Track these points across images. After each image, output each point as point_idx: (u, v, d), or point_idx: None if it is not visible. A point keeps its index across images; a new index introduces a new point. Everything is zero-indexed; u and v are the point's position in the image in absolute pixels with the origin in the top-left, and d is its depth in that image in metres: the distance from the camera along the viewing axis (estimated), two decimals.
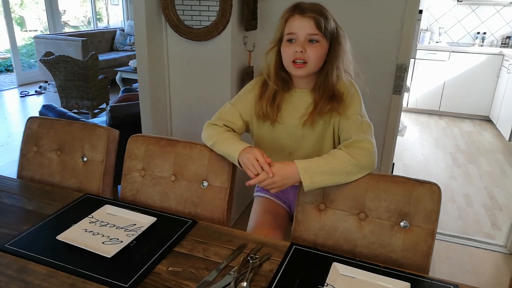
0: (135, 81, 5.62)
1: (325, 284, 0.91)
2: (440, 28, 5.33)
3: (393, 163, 2.74)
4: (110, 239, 1.06)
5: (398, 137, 2.71)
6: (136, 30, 2.22)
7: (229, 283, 0.91)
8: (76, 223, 1.11)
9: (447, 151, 4.09)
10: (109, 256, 0.98)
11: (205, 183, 1.25)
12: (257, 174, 1.09)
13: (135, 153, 1.32)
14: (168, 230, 1.10)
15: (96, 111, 4.72)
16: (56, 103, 3.35)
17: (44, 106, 2.74)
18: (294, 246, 1.06)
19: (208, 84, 2.31)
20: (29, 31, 8.07)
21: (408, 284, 0.91)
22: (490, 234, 2.63)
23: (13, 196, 1.30)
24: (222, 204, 1.23)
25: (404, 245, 1.06)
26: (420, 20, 4.69)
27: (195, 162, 1.26)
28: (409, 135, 4.46)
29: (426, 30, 5.31)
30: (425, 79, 5.15)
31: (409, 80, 5.16)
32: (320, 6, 1.19)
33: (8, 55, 7.15)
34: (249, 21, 2.27)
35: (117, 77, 5.68)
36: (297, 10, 1.17)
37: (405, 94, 5.03)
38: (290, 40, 1.17)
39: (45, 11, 6.86)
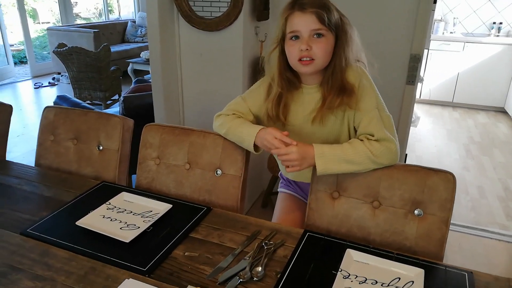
0: (147, 72, 5.65)
1: (339, 270, 0.92)
2: (454, 18, 5.24)
3: (406, 154, 2.72)
4: (128, 225, 1.08)
5: (411, 128, 2.70)
6: (148, 21, 2.23)
7: (244, 268, 0.92)
8: (94, 209, 1.14)
9: (460, 142, 4.05)
10: (127, 241, 1.00)
11: (219, 171, 1.27)
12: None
13: (150, 142, 1.34)
14: (184, 217, 1.12)
15: (108, 102, 4.77)
16: (70, 94, 3.38)
17: (58, 97, 2.77)
18: (307, 233, 1.07)
19: (220, 74, 2.31)
20: (42, 23, 8.15)
21: (422, 270, 0.92)
22: (504, 225, 2.61)
23: (32, 184, 1.33)
24: (235, 192, 1.25)
25: (418, 233, 1.06)
26: (434, 10, 4.61)
27: (209, 150, 1.28)
28: (422, 127, 4.42)
29: (441, 20, 5.22)
30: (438, 70, 5.08)
31: (422, 71, 5.09)
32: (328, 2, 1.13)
33: (22, 47, 7.24)
34: (261, 11, 2.26)
35: (129, 69, 5.71)
36: (296, 6, 1.11)
37: (418, 85, 4.97)
38: (293, 38, 1.13)
39: (57, 3, 6.91)
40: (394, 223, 1.08)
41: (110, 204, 1.17)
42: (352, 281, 0.90)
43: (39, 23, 8.08)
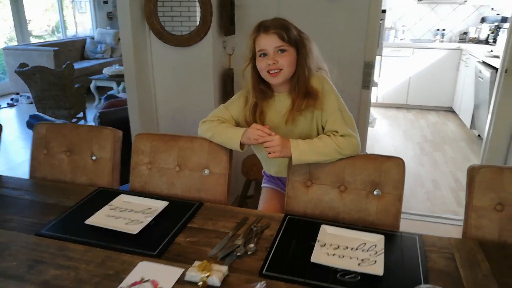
0: (110, 88, 5.69)
1: (317, 241, 1.12)
2: (403, 26, 5.70)
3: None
4: (132, 220, 1.23)
5: (369, 128, 2.98)
6: (122, 38, 2.37)
7: (239, 246, 1.10)
8: (97, 211, 1.28)
9: (415, 141, 4.42)
10: (135, 233, 1.15)
11: (206, 171, 1.44)
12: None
13: (141, 149, 1.49)
14: (180, 211, 1.29)
15: (73, 120, 4.77)
16: (25, 115, 3.37)
17: (31, 116, 2.84)
18: (288, 216, 1.27)
19: (192, 86, 2.48)
20: None
21: (382, 236, 1.13)
22: (456, 212, 2.92)
23: (32, 193, 1.45)
24: (222, 188, 1.42)
25: (377, 209, 1.29)
26: (384, 19, 5.03)
27: (197, 153, 1.45)
28: (380, 129, 4.77)
29: (391, 28, 5.66)
30: (392, 75, 5.49)
31: (376, 76, 5.48)
32: (280, 20, 1.37)
33: None
34: (228, 27, 2.47)
35: (92, 86, 5.73)
36: (261, 29, 1.34)
37: (374, 89, 5.36)
38: (262, 55, 1.35)
39: (12, 22, 6.79)
40: (358, 203, 1.30)
41: (112, 205, 1.31)
42: (328, 248, 1.10)
43: None
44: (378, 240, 1.13)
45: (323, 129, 1.41)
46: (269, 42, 1.33)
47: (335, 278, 0.99)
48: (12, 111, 5.71)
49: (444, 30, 5.56)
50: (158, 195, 1.42)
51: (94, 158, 1.55)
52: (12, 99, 5.99)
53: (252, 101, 1.40)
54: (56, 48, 5.81)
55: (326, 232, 1.17)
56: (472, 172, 1.24)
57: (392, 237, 1.16)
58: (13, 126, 5.02)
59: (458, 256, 1.09)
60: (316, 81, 1.39)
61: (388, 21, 5.61)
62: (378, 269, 1.01)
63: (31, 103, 5.83)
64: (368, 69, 2.51)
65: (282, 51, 1.34)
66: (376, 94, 5.59)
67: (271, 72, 1.34)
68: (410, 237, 1.17)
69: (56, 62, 5.71)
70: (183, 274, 1.00)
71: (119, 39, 7.27)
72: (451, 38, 5.56)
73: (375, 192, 1.30)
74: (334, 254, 1.08)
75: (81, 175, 1.55)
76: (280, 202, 1.53)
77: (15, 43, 6.81)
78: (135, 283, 0.98)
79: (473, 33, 5.37)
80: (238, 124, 1.46)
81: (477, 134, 4.43)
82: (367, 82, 2.53)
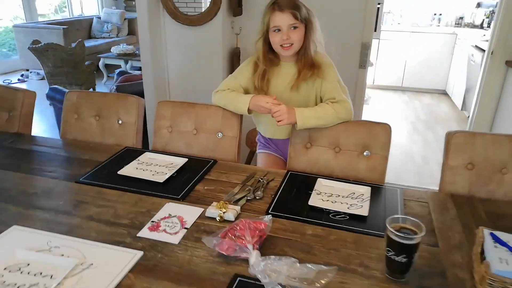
0: (117, 66, 5.86)
1: (314, 190, 1.34)
2: (401, 10, 5.83)
3: None
4: (157, 172, 1.45)
5: (365, 106, 3.17)
6: (139, 19, 2.56)
7: (249, 192, 1.32)
8: (127, 165, 1.49)
9: (409, 121, 4.63)
10: (161, 181, 1.37)
11: (220, 134, 1.65)
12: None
13: (163, 114, 1.70)
14: (197, 166, 1.50)
15: None
16: (40, 91, 3.55)
17: (50, 89, 3.03)
18: (290, 172, 1.49)
19: (201, 63, 2.68)
20: None
21: (369, 188, 1.35)
22: None
23: (66, 151, 1.66)
24: (233, 149, 1.64)
25: (366, 167, 1.50)
26: (382, 3, 5.17)
27: (211, 118, 1.66)
28: (376, 109, 4.97)
29: (389, 12, 5.80)
30: (389, 58, 5.66)
31: (374, 59, 5.65)
32: (299, 2, 1.57)
33: None
34: (236, 8, 2.64)
35: (100, 63, 5.90)
36: (276, 7, 1.53)
37: (371, 71, 5.53)
38: (276, 30, 1.55)
39: (21, 1, 6.90)
40: (350, 162, 1.52)
41: (139, 160, 1.53)
42: (322, 196, 1.32)
43: None
44: (365, 190, 1.35)
45: (320, 99, 1.62)
46: (283, 20, 1.53)
47: (328, 217, 1.22)
48: (23, 87, 5.90)
49: (440, 15, 5.70)
50: (177, 154, 1.63)
51: (120, 122, 1.75)
52: (22, 75, 6.17)
53: (262, 68, 1.61)
54: (65, 27, 5.95)
55: (322, 184, 1.39)
56: (449, 136, 1.45)
57: (377, 189, 1.38)
58: None
59: (431, 204, 1.31)
60: (319, 56, 1.61)
61: (386, 6, 5.73)
62: (363, 211, 1.24)
63: (41, 79, 6.02)
64: (364, 49, 2.69)
65: (295, 27, 1.54)
66: (373, 76, 5.77)
67: (284, 46, 1.56)
68: (392, 189, 1.39)
69: (65, 40, 5.86)
70: (203, 212, 1.22)
71: (125, 18, 7.42)
72: (447, 23, 5.70)
73: (365, 153, 1.51)
74: (328, 200, 1.30)
75: (109, 137, 1.76)
76: (275, 165, 1.76)
77: (20, 21, 6.94)
78: (164, 218, 1.20)
79: (469, 18, 5.52)
80: (246, 91, 1.67)
81: (467, 116, 4.63)
82: (363, 62, 2.72)
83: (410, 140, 4.08)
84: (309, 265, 0.92)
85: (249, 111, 1.57)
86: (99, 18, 7.48)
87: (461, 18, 5.59)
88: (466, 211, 1.28)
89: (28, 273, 0.96)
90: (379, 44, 5.57)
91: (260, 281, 0.92)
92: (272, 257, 0.95)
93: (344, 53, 2.72)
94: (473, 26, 5.44)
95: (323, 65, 1.59)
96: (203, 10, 2.52)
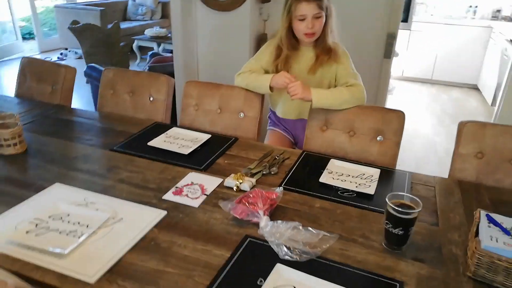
0: (151, 48, 6.05)
1: (326, 169, 1.43)
2: (435, 1, 5.71)
3: None
4: (183, 146, 1.58)
5: (389, 97, 3.20)
6: (171, 3, 2.68)
7: (265, 168, 1.43)
8: (156, 137, 1.63)
9: (434, 114, 4.59)
10: (186, 154, 1.50)
11: (242, 114, 1.76)
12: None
13: (190, 93, 1.82)
14: (220, 142, 1.62)
15: None
16: (78, 69, 3.77)
17: (88, 67, 3.22)
18: (305, 152, 1.59)
19: (229, 47, 2.78)
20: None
21: (378, 170, 1.44)
22: None
23: (102, 122, 1.82)
24: (254, 128, 1.75)
25: (379, 151, 1.58)
26: None
27: (234, 99, 1.77)
28: (401, 100, 4.94)
29: (422, 3, 5.69)
30: (419, 50, 5.58)
31: (404, 50, 5.59)
32: None
33: (23, 23, 7.51)
34: None
35: (134, 45, 6.10)
36: None
37: (400, 62, 5.47)
38: (300, 19, 1.65)
39: None
40: (363, 145, 1.60)
41: (167, 134, 1.67)
42: (333, 175, 1.41)
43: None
44: (374, 172, 1.44)
45: (334, 84, 1.74)
46: (309, 10, 1.63)
47: (336, 193, 1.31)
48: None
49: (476, 7, 5.54)
50: (202, 131, 1.75)
51: (151, 99, 1.89)
52: (61, 54, 6.47)
53: (285, 53, 1.73)
54: (102, 8, 6.17)
55: (334, 164, 1.48)
56: (460, 126, 1.51)
57: (387, 171, 1.46)
58: None
59: (437, 188, 1.38)
60: (334, 44, 1.73)
61: None
62: (371, 190, 1.32)
63: (79, 58, 6.29)
64: (390, 39, 2.72)
65: (318, 17, 1.64)
66: (402, 68, 5.70)
67: (307, 33, 1.66)
68: (402, 173, 1.46)
69: (102, 21, 6.08)
70: (222, 182, 1.34)
71: (158, 2, 7.59)
72: (483, 16, 5.55)
73: (378, 138, 1.59)
74: (338, 179, 1.39)
75: (141, 112, 1.91)
76: (282, 142, 1.88)
77: (61, 1, 7.24)
78: (187, 185, 1.33)
79: (507, 11, 5.34)
80: (266, 72, 1.78)
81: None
82: (388, 52, 2.75)
83: (434, 132, 4.07)
84: (311, 229, 1.02)
85: (271, 88, 1.69)
86: (134, 0, 7.67)
87: (499, 11, 5.42)
88: (471, 196, 1.35)
89: (68, 222, 1.11)
90: (409, 35, 5.50)
91: (267, 242, 1.03)
92: (279, 221, 1.06)
93: (369, 42, 2.76)
94: (511, 19, 5.27)
95: (339, 51, 1.70)
96: None
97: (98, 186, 1.30)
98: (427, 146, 3.73)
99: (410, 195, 1.07)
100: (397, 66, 5.67)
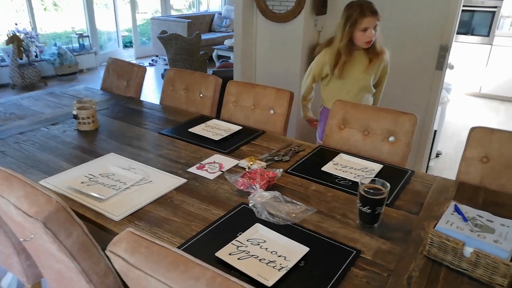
0: (228, 57, 6.56)
1: (332, 161, 1.61)
2: None
3: (435, 130, 3.22)
4: (216, 134, 1.87)
5: (450, 113, 3.14)
6: (235, 15, 3.02)
7: (279, 155, 1.65)
8: (197, 126, 1.94)
9: None
10: (216, 139, 1.79)
11: (272, 111, 2.00)
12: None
13: (230, 91, 2.11)
14: (248, 134, 1.88)
15: None
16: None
17: (165, 70, 3.71)
18: (320, 147, 1.77)
19: (284, 56, 3.03)
20: (140, 13, 9.51)
21: (380, 165, 1.57)
22: None
23: (160, 112, 2.19)
24: (280, 124, 1.97)
25: (390, 151, 1.70)
26: (500, 7, 4.87)
27: (266, 97, 2.02)
28: (472, 117, 4.71)
29: (507, 17, 5.36)
30: (501, 65, 5.26)
31: (483, 66, 5.32)
32: (372, 3, 1.97)
33: (126, 33, 8.59)
34: (320, 7, 2.93)
35: (214, 54, 6.67)
36: (367, 11, 1.94)
37: (477, 76, 5.20)
38: (363, 30, 1.97)
39: None
40: (376, 145, 1.73)
41: (206, 124, 1.97)
42: (337, 166, 1.58)
43: (138, 13, 9.43)
44: (376, 167, 1.57)
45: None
46: (372, 22, 1.97)
47: (334, 181, 1.48)
48: (152, 69, 6.99)
49: None
50: (237, 123, 2.03)
51: (201, 95, 2.23)
52: (152, 60, 7.30)
53: (343, 60, 2.05)
54: (189, 20, 6.86)
55: (342, 158, 1.65)
56: (470, 131, 1.57)
57: (390, 168, 1.59)
58: (151, 79, 6.26)
59: (434, 186, 1.48)
60: (382, 47, 2.09)
61: (505, 9, 5.31)
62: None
63: (166, 64, 7.03)
64: (443, 51, 2.74)
65: (375, 26, 1.97)
66: (480, 84, 5.42)
67: (368, 42, 2.00)
68: (404, 170, 1.58)
69: (188, 32, 6.76)
70: (238, 163, 1.59)
71: None
72: None
73: (390, 139, 1.71)
74: (340, 170, 1.56)
75: (192, 106, 2.25)
76: None
77: (159, 14, 8.15)
78: (209, 163, 1.60)
79: None
80: (324, 76, 2.21)
81: None
82: (440, 63, 2.77)
83: None
84: (294, 201, 1.23)
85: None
86: (220, 14, 8.33)
87: None
88: (465, 196, 1.42)
89: (112, 179, 1.45)
90: (491, 50, 5.23)
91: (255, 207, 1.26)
92: (265, 191, 1.29)
93: (421, 54, 2.81)
94: None
95: (386, 54, 2.06)
96: (288, 9, 2.86)
97: (141, 158, 1.64)
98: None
99: (382, 180, 1.22)
100: (473, 82, 5.41)
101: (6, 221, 1.22)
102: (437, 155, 3.77)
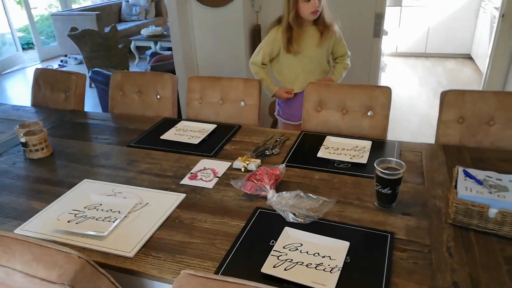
0: (148, 47, 6.19)
1: (323, 145, 1.59)
2: None
3: None
4: (192, 136, 1.74)
5: (383, 74, 3.33)
6: (168, 4, 2.81)
7: (268, 149, 1.59)
8: (167, 131, 1.79)
9: (430, 86, 4.71)
10: (196, 143, 1.66)
11: (242, 103, 1.92)
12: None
13: (193, 88, 1.98)
14: (225, 131, 1.78)
15: None
16: None
17: (92, 71, 3.37)
18: (303, 132, 1.75)
19: (225, 40, 2.92)
20: (32, 8, 8.52)
21: (370, 142, 1.59)
22: None
23: (115, 122, 1.98)
24: (254, 116, 1.90)
25: (369, 125, 1.73)
26: None
27: (235, 89, 1.92)
28: (397, 76, 5.06)
29: None
30: (411, 25, 5.68)
31: (396, 27, 5.69)
32: None
33: (21, 33, 7.66)
34: None
35: (132, 46, 6.24)
36: None
37: (392, 37, 5.57)
38: (307, 1, 1.95)
39: None
40: (355, 122, 1.76)
41: (176, 127, 1.83)
42: (329, 150, 1.57)
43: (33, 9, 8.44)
44: (367, 144, 1.59)
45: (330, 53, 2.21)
46: None
47: (333, 165, 1.47)
48: None
49: None
50: (207, 121, 1.91)
51: (158, 97, 2.05)
52: (61, 61, 6.62)
53: (297, 32, 2.04)
54: (97, 13, 6.30)
55: (330, 140, 1.64)
56: (442, 95, 1.65)
57: (378, 143, 1.62)
58: None
59: (424, 153, 1.54)
60: (330, 20, 2.08)
61: None
62: (363, 160, 1.48)
63: (79, 63, 6.45)
64: (378, 19, 2.85)
65: None
66: (396, 44, 5.81)
67: (314, 12, 1.97)
68: (391, 143, 1.62)
69: (98, 25, 6.21)
70: (231, 165, 1.50)
71: (152, 0, 7.68)
72: None
73: (368, 113, 1.74)
74: (334, 153, 1.55)
75: (149, 110, 2.07)
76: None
77: (55, 9, 7.36)
78: (200, 170, 1.49)
79: None
80: (277, 54, 2.15)
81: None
82: (377, 31, 2.88)
83: (429, 105, 4.20)
84: (311, 195, 1.19)
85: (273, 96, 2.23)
86: (127, 1, 7.78)
87: None
88: (454, 157, 1.51)
89: (102, 210, 1.28)
90: (401, 11, 5.59)
91: (275, 211, 1.20)
92: (284, 192, 1.23)
93: (358, 23, 2.89)
94: None
95: (335, 26, 2.10)
96: None
97: (121, 178, 1.47)
98: (422, 119, 3.87)
99: (396, 159, 1.23)
100: (390, 43, 5.77)
101: None
102: None
